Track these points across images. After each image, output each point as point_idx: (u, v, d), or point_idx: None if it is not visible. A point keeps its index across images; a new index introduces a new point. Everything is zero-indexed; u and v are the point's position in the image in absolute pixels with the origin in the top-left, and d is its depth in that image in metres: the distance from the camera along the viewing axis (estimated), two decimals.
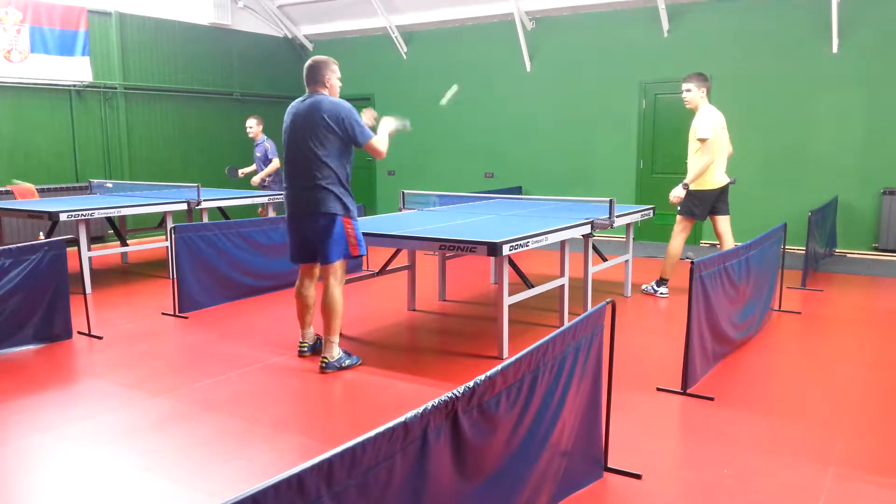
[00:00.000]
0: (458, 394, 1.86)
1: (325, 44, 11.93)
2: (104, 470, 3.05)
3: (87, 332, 5.06)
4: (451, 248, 4.29)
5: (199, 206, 7.48)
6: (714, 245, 8.58)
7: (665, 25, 9.09)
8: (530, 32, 10.13)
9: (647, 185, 9.55)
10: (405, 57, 11.34)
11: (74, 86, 9.19)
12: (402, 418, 1.67)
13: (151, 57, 10.10)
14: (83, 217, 6.39)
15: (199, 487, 2.89)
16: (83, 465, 3.09)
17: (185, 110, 10.61)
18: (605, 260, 6.13)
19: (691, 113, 6.03)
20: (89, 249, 6.48)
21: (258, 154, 8.62)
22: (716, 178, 5.90)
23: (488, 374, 1.98)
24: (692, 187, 5.89)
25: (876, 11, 7.96)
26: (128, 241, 7.69)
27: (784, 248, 5.65)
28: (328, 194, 4.11)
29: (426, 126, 10.95)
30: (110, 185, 8.56)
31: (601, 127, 9.80)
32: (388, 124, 4.48)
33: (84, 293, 5.56)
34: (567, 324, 2.51)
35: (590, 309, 3.14)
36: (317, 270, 4.48)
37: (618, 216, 5.45)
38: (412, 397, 3.86)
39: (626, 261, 6.36)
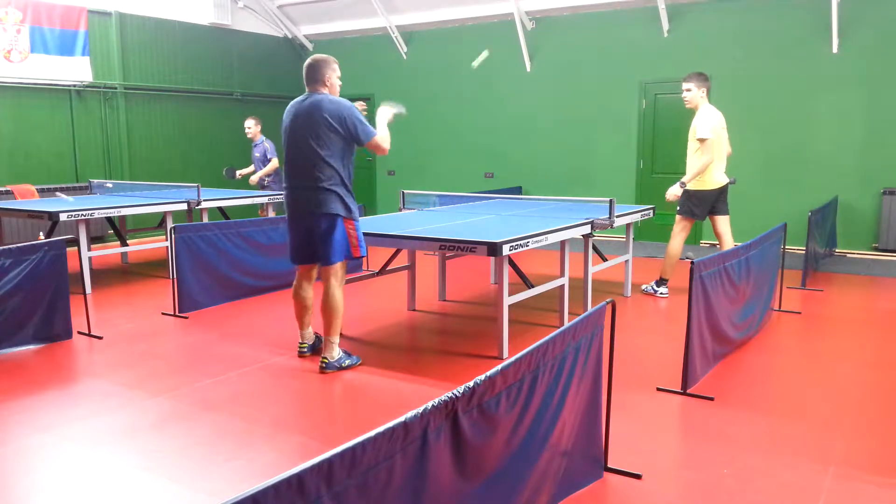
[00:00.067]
0: (458, 394, 1.86)
1: (325, 44, 11.92)
2: (104, 470, 3.04)
3: (87, 332, 5.06)
4: (451, 248, 4.29)
5: (199, 206, 7.48)
6: (714, 245, 8.58)
7: (665, 25, 9.08)
8: (530, 32, 10.13)
9: (647, 185, 9.54)
10: (405, 57, 11.33)
11: (74, 86, 9.18)
12: (402, 418, 1.66)
13: (151, 57, 10.10)
14: (83, 217, 6.39)
15: (199, 487, 2.89)
16: (83, 465, 3.09)
17: (185, 110, 10.60)
18: (605, 260, 6.13)
19: (691, 113, 6.03)
20: (89, 249, 6.48)
21: (257, 154, 8.64)
22: (715, 178, 5.90)
23: (488, 374, 1.98)
24: (692, 187, 5.89)
25: (876, 11, 7.96)
26: (128, 241, 7.69)
27: (784, 248, 5.65)
28: (330, 195, 4.09)
29: (426, 126, 10.96)
30: (110, 185, 8.57)
31: (601, 127, 9.80)
32: (385, 114, 4.43)
33: (84, 293, 5.56)
34: (567, 324, 2.51)
35: (590, 309, 3.14)
36: (315, 272, 4.47)
37: (618, 216, 5.46)
38: (412, 397, 3.86)
39: (626, 261, 6.36)
